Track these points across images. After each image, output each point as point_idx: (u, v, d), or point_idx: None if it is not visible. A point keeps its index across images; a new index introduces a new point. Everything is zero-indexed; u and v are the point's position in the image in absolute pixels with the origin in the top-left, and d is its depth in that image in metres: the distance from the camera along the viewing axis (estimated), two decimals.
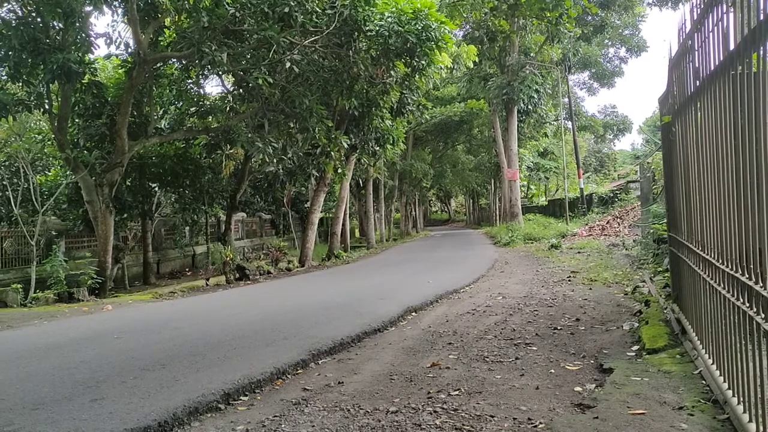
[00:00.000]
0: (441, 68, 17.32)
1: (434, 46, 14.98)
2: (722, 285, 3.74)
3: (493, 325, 7.50)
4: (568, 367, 5.30)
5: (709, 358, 4.35)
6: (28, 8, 13.01)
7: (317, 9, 13.37)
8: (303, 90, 15.28)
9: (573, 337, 6.55)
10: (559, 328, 7.07)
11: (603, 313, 7.82)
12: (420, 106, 21.76)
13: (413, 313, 8.98)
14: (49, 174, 19.14)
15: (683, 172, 5.28)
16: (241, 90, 16.44)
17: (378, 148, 20.79)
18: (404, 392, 4.84)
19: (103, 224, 14.71)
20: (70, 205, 17.84)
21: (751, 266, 3.08)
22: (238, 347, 6.61)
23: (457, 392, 4.72)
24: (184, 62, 15.27)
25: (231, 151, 20.04)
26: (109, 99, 16.19)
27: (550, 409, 4.19)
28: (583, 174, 36.91)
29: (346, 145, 18.71)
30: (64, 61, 12.30)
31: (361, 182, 32.08)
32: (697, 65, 4.39)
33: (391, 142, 20.65)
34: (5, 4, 12.88)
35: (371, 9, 14.13)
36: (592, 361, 5.46)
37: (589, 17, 30.85)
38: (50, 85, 13.71)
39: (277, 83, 14.45)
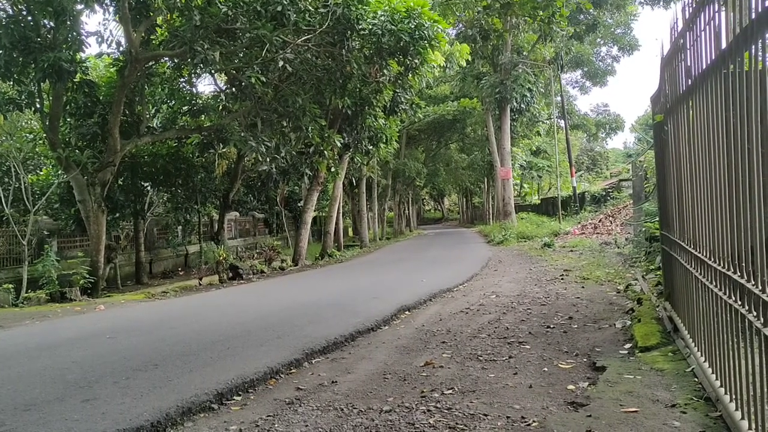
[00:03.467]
0: (434, 67, 17.34)
1: (427, 44, 15.00)
2: (714, 283, 3.75)
3: (487, 324, 7.51)
4: (561, 366, 5.31)
5: (702, 355, 4.37)
6: (19, 7, 12.91)
7: (310, 7, 13.34)
8: (296, 89, 15.26)
9: (566, 335, 6.56)
10: (552, 326, 7.08)
11: (596, 311, 7.84)
12: (413, 105, 21.82)
13: (407, 312, 8.98)
14: (41, 173, 19.04)
15: (675, 170, 5.30)
16: (233, 89, 16.38)
17: (371, 147, 20.81)
18: (398, 391, 4.84)
19: (96, 224, 14.63)
20: (62, 204, 17.74)
21: (743, 264, 3.09)
22: (231, 347, 6.60)
23: (450, 391, 4.72)
24: (176, 61, 15.21)
25: (224, 150, 20.00)
26: (101, 98, 16.11)
27: (544, 407, 4.19)
28: (576, 172, 37.03)
29: (339, 144, 18.69)
30: (56, 60, 12.22)
31: (354, 181, 32.08)
32: (689, 64, 4.40)
33: (385, 140, 20.67)
34: None
35: (364, 8, 14.12)
36: (585, 360, 5.47)
37: (582, 16, 30.97)
38: (41, 83, 13.62)
39: (270, 82, 14.42)
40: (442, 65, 19.52)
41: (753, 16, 2.79)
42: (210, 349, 6.54)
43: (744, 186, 3.00)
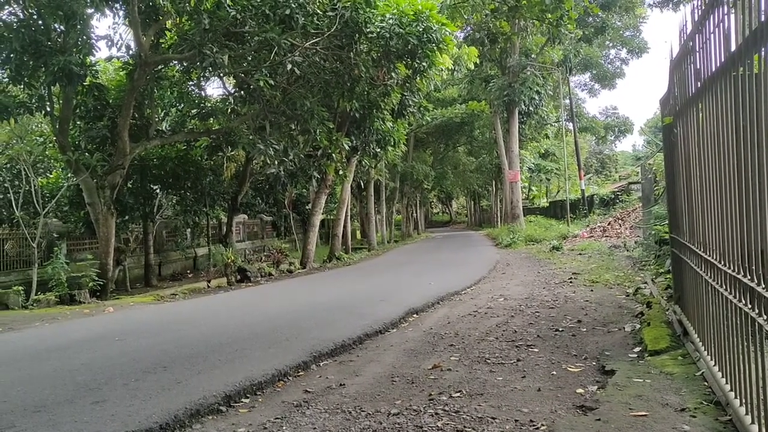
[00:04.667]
0: (442, 70, 17.34)
1: (435, 47, 14.99)
2: (724, 286, 3.73)
3: (495, 327, 7.49)
4: (570, 369, 5.29)
5: (711, 359, 4.34)
6: (30, 11, 13.04)
7: (318, 11, 13.38)
8: (304, 92, 15.30)
9: (574, 338, 6.54)
10: (560, 329, 7.05)
11: (604, 314, 7.81)
12: (421, 108, 21.80)
13: (414, 315, 8.98)
14: (51, 176, 19.17)
15: (685, 173, 5.28)
16: (242, 92, 16.46)
17: (379, 149, 20.83)
18: (405, 394, 4.83)
19: (105, 226, 14.72)
20: (71, 207, 17.85)
21: (753, 268, 3.07)
22: (239, 349, 6.61)
23: (458, 394, 4.71)
24: (185, 64, 15.29)
25: (232, 153, 20.08)
26: (111, 101, 16.22)
27: (552, 410, 4.18)
28: (585, 175, 36.90)
29: (347, 147, 18.74)
30: (66, 64, 12.32)
31: (362, 184, 32.10)
32: (698, 66, 4.39)
33: (392, 143, 20.68)
34: (6, 7, 12.91)
35: (372, 11, 14.14)
36: (593, 363, 5.45)
37: (590, 18, 30.90)
38: (51, 87, 13.74)
39: (278, 85, 14.47)
40: (450, 68, 19.52)
41: (762, 18, 2.78)
42: (218, 351, 6.56)
43: (754, 188, 2.98)
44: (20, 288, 13.02)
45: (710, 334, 4.37)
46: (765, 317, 2.87)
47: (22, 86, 13.45)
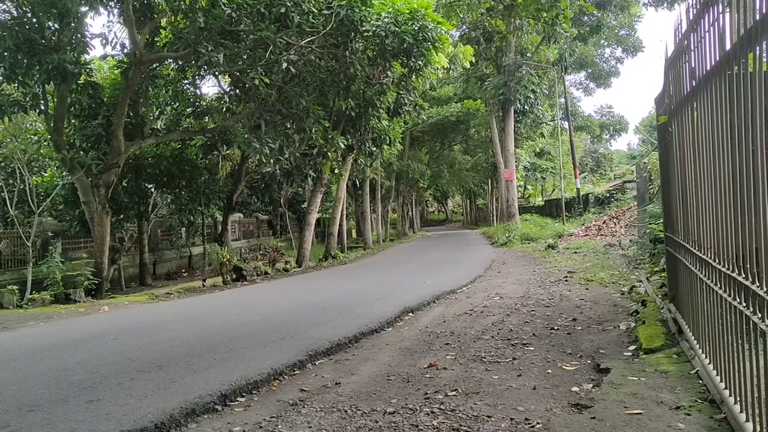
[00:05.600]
0: (437, 68, 17.35)
1: (431, 46, 15.00)
2: (719, 285, 3.74)
3: (491, 326, 7.49)
4: (565, 367, 5.30)
5: (706, 357, 4.36)
6: (23, 8, 12.97)
7: (314, 9, 13.37)
8: (300, 90, 15.28)
9: (570, 337, 6.55)
10: (556, 328, 7.07)
11: (600, 313, 7.82)
12: (417, 107, 21.81)
13: (410, 314, 8.98)
14: (46, 175, 19.10)
15: (680, 172, 5.29)
16: (237, 90, 16.42)
17: (375, 148, 20.83)
18: (401, 393, 4.84)
19: (100, 225, 14.67)
20: (66, 206, 17.80)
21: (748, 266, 3.08)
22: (235, 348, 6.60)
23: (454, 393, 4.71)
24: (180, 63, 15.25)
25: (227, 151, 20.03)
26: (105, 100, 16.16)
27: (548, 409, 4.19)
28: (580, 174, 36.98)
29: (343, 146, 18.73)
30: (60, 62, 12.27)
31: (358, 183, 32.09)
32: (693, 65, 4.40)
33: (388, 142, 20.69)
34: (0, 5, 12.84)
35: (368, 9, 14.14)
36: (589, 361, 5.46)
37: (586, 17, 30.96)
38: (46, 85, 13.67)
39: (273, 84, 14.45)
40: (445, 67, 19.55)
41: (757, 17, 2.78)
42: (214, 350, 6.55)
43: (748, 187, 2.99)
44: (15, 287, 12.97)
45: (705, 332, 4.38)
46: (759, 315, 2.88)
47: (16, 84, 13.39)
